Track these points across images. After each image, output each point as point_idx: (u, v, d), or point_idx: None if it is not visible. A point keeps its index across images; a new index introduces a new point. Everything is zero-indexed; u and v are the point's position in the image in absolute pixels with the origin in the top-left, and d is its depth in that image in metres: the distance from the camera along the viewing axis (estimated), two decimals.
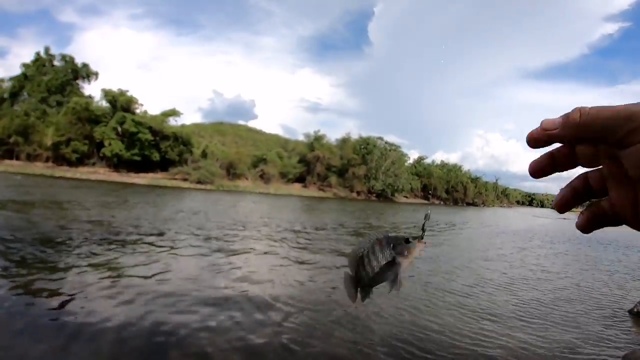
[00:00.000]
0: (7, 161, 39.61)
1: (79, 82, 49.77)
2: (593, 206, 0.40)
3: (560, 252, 14.08)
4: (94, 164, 43.19)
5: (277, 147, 57.69)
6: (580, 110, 0.35)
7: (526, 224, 31.58)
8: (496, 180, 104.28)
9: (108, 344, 3.66)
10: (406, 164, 66.49)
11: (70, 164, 41.75)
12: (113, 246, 7.81)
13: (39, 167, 38.72)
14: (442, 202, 71.52)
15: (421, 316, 5.17)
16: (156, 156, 44.52)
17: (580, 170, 0.40)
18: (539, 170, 0.39)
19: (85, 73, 50.11)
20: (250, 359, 3.69)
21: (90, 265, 6.26)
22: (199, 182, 43.40)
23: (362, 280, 0.54)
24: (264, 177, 51.62)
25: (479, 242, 15.49)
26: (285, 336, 4.16)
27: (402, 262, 0.52)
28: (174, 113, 47.59)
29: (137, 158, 43.40)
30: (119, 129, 42.79)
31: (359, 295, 0.55)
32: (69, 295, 4.77)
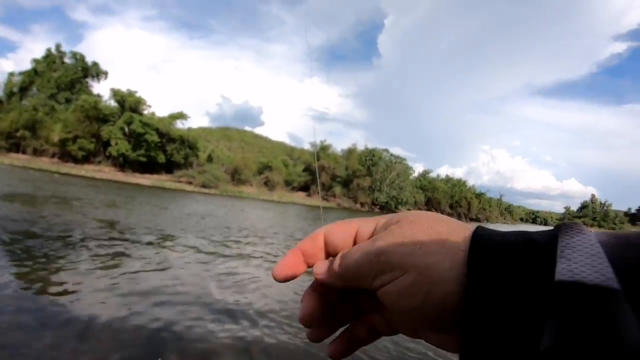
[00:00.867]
0: (14, 154, 39.49)
1: (89, 80, 49.95)
2: (348, 333, 0.38)
3: None
4: (99, 163, 43.03)
5: (282, 155, 57.61)
6: (341, 256, 0.35)
7: None
8: (500, 196, 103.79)
9: (107, 343, 3.64)
10: (411, 177, 66.26)
11: (76, 161, 41.61)
12: (118, 245, 7.63)
13: (44, 163, 38.51)
14: None
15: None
16: (162, 158, 44.37)
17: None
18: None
19: (95, 72, 50.33)
20: None
21: (94, 262, 6.11)
22: (203, 186, 43.15)
23: None
24: (268, 184, 51.42)
25: None
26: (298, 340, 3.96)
27: None
28: (181, 116, 47.51)
29: (142, 159, 43.23)
30: (126, 129, 42.71)
31: None
32: (70, 292, 4.79)
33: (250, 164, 50.97)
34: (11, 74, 47.40)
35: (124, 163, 43.21)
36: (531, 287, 0.26)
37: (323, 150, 56.66)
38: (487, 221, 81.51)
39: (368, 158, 59.47)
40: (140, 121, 42.84)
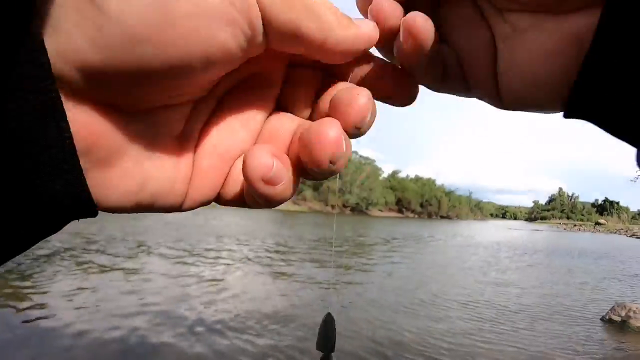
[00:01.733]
0: None
1: None
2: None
3: (533, 263, 13.87)
4: None
5: None
6: None
7: (501, 235, 31.83)
8: (470, 193, 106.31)
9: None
10: (380, 177, 66.85)
11: None
12: (93, 255, 7.45)
13: None
14: (416, 216, 71.91)
15: (397, 329, 4.59)
16: None
17: None
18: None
19: None
20: None
21: (65, 275, 6.02)
22: None
23: None
24: None
25: (450, 254, 15.13)
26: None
27: None
28: None
29: None
30: None
31: None
32: (40, 304, 4.67)
33: None
34: None
35: None
36: None
37: None
38: (458, 218, 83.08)
39: None
40: None
